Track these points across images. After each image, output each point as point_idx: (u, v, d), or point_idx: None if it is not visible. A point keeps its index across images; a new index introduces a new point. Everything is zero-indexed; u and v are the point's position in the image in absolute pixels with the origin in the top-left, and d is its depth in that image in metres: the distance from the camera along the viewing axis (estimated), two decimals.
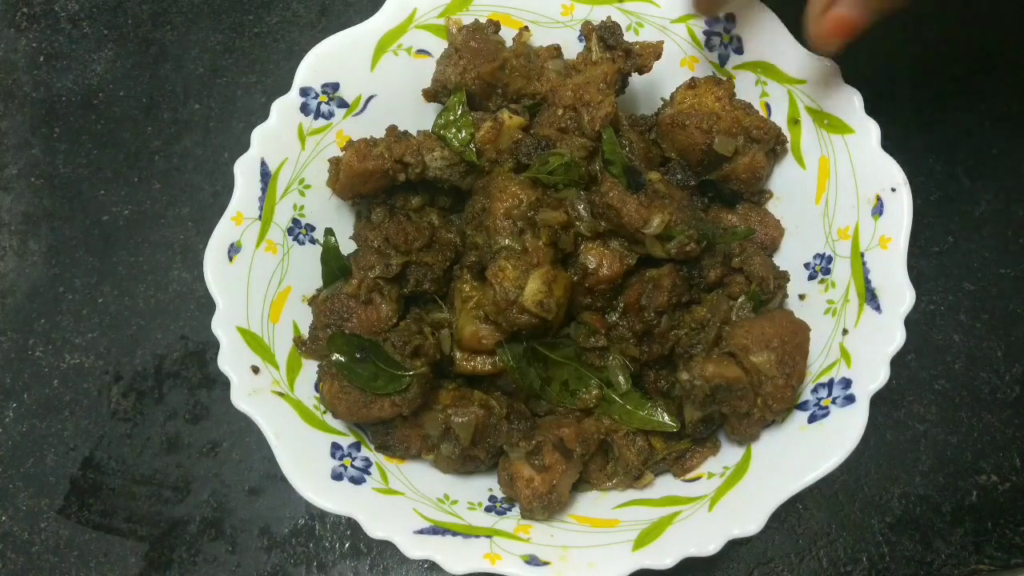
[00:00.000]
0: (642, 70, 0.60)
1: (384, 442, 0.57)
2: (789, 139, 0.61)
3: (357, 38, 0.62)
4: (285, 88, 0.60)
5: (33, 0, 0.83)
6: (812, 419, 0.54)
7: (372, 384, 0.54)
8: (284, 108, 0.60)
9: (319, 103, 0.61)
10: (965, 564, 0.64)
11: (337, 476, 0.54)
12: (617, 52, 0.59)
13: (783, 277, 0.60)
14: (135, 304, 0.73)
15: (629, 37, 0.62)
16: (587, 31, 0.61)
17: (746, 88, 0.61)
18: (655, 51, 0.60)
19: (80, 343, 0.72)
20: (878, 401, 0.53)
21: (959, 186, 0.72)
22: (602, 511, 0.56)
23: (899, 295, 0.54)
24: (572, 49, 0.63)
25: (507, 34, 0.63)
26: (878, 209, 0.56)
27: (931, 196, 0.71)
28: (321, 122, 0.61)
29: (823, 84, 0.58)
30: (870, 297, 0.55)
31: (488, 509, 0.56)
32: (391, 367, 0.55)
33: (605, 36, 0.59)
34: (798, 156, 0.61)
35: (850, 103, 0.57)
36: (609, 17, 0.61)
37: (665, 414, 0.56)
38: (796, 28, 0.60)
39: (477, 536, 0.53)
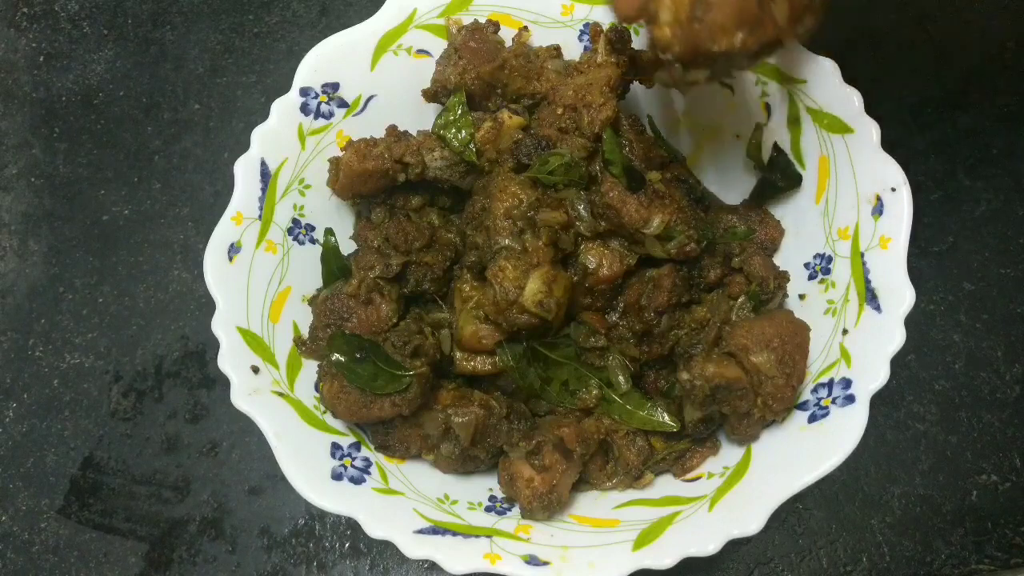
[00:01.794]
0: (644, 83, 0.60)
1: (384, 442, 0.57)
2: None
3: (357, 38, 0.62)
4: (285, 88, 0.60)
5: (33, 0, 0.83)
6: (812, 419, 0.54)
7: (372, 384, 0.54)
8: (284, 108, 0.60)
9: (319, 103, 0.61)
10: (965, 564, 0.64)
11: (337, 476, 0.54)
12: (623, 58, 0.59)
13: (783, 277, 0.60)
14: (135, 304, 0.73)
15: None
16: (595, 32, 0.61)
17: (746, 88, 0.61)
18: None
19: (80, 343, 0.72)
20: (878, 401, 0.52)
21: (959, 186, 0.72)
22: (602, 511, 0.56)
23: (899, 295, 0.54)
24: (572, 49, 0.63)
25: (507, 34, 0.63)
26: (878, 209, 0.56)
27: (931, 196, 0.71)
28: (321, 122, 0.61)
29: (823, 84, 0.58)
30: (870, 297, 0.55)
31: (488, 509, 0.56)
32: (391, 367, 0.55)
33: (614, 40, 0.59)
34: (798, 156, 0.61)
35: (850, 103, 0.57)
36: (621, 23, 0.61)
37: (665, 414, 0.56)
38: None
39: (477, 536, 0.53)
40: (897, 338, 0.53)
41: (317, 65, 0.61)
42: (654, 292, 0.56)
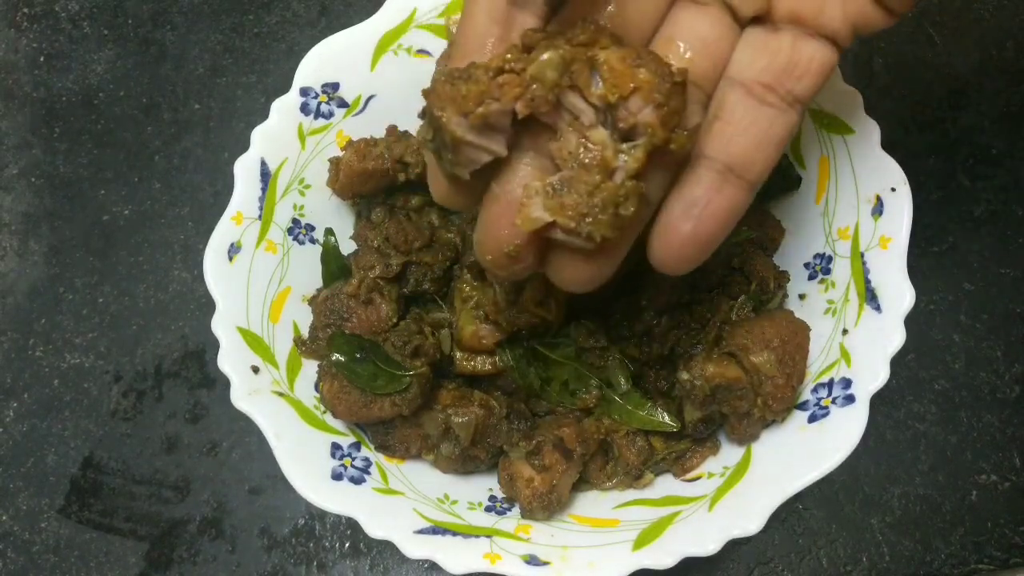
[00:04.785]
0: None
1: (384, 442, 0.57)
2: None
3: (357, 38, 0.62)
4: (285, 88, 0.60)
5: (33, 0, 0.83)
6: (812, 419, 0.54)
7: (372, 384, 0.54)
8: (284, 108, 0.60)
9: (319, 103, 0.61)
10: (965, 564, 0.64)
11: (337, 476, 0.54)
12: None
13: (783, 277, 0.60)
14: (135, 304, 0.73)
15: None
16: None
17: None
18: None
19: (80, 343, 0.72)
20: (878, 401, 0.52)
21: (959, 186, 0.72)
22: (602, 511, 0.56)
23: (899, 295, 0.54)
24: None
25: None
26: (878, 209, 0.56)
27: (931, 196, 0.71)
28: (321, 122, 0.61)
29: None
30: (870, 297, 0.55)
31: (488, 509, 0.56)
32: (391, 367, 0.55)
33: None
34: (798, 156, 0.60)
35: (850, 103, 0.57)
36: None
37: (665, 414, 0.56)
38: None
39: (477, 536, 0.53)
40: (897, 338, 0.53)
41: (317, 65, 0.61)
42: (654, 292, 0.56)
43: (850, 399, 0.53)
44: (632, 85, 0.34)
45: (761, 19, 0.40)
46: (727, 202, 0.37)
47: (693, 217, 0.36)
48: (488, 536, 0.53)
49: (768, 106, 0.39)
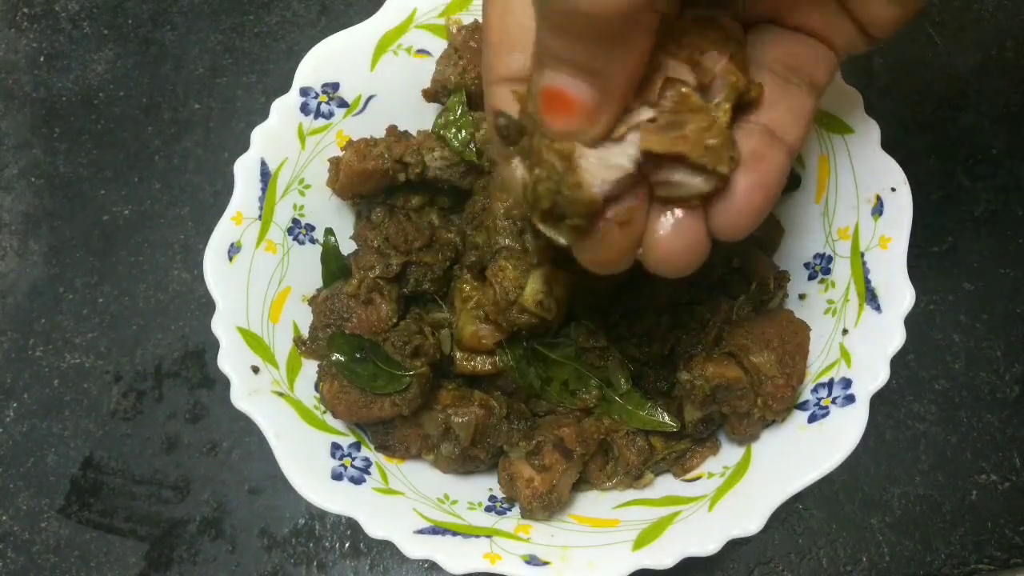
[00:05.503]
0: None
1: (384, 442, 0.57)
2: None
3: (357, 38, 0.62)
4: (285, 88, 0.60)
5: (33, 0, 0.83)
6: (812, 419, 0.54)
7: (372, 384, 0.54)
8: (284, 108, 0.60)
9: (319, 103, 0.61)
10: (965, 564, 0.64)
11: (337, 476, 0.54)
12: None
13: (783, 277, 0.60)
14: (135, 304, 0.73)
15: None
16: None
17: None
18: None
19: (80, 343, 0.72)
20: (878, 401, 0.52)
21: (959, 186, 0.72)
22: (602, 511, 0.56)
23: (899, 295, 0.54)
24: None
25: None
26: (878, 209, 0.56)
27: (931, 196, 0.71)
28: (321, 122, 0.61)
29: None
30: (870, 297, 0.55)
31: (488, 509, 0.56)
32: (391, 367, 0.55)
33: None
34: (798, 156, 0.61)
35: (850, 103, 0.57)
36: None
37: (665, 414, 0.56)
38: None
39: (477, 536, 0.53)
40: (897, 338, 0.53)
41: (317, 65, 0.61)
42: (654, 292, 0.56)
43: (850, 399, 0.53)
44: (708, 42, 0.36)
45: (767, 24, 0.41)
46: (777, 159, 0.37)
47: (751, 170, 0.36)
48: (488, 536, 0.53)
49: (793, 84, 0.40)
